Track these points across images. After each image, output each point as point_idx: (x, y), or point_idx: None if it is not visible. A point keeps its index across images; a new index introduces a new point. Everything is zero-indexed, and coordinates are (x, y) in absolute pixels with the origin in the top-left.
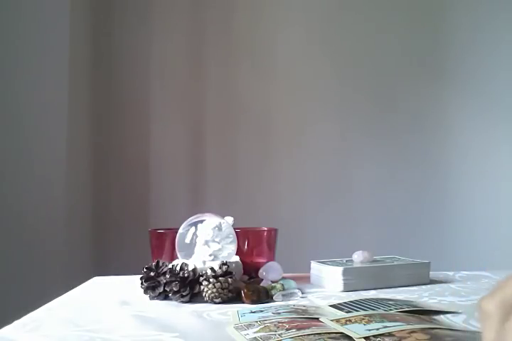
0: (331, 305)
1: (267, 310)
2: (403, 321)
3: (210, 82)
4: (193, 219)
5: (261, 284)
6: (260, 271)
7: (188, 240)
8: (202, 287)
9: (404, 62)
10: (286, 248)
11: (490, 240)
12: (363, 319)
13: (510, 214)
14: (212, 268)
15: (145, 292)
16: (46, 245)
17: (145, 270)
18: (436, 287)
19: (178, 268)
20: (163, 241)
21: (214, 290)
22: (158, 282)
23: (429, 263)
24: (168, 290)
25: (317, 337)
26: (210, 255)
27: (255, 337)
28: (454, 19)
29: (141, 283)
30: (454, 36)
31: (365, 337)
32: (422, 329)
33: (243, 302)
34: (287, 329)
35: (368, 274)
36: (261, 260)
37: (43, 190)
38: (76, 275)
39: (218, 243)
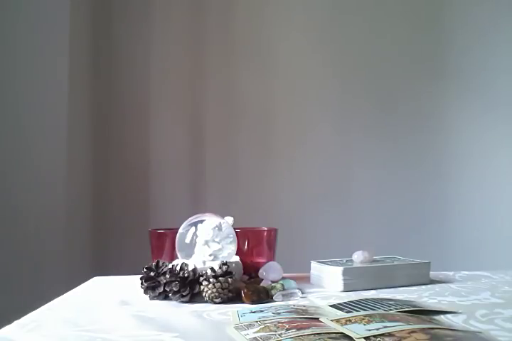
0: (331, 305)
1: (267, 310)
2: (403, 321)
3: (210, 82)
4: (193, 219)
5: (261, 284)
6: (260, 271)
7: (188, 240)
8: (202, 287)
9: (405, 63)
10: (286, 248)
11: (490, 240)
12: (363, 319)
13: (510, 214)
14: (212, 268)
15: (145, 292)
16: (46, 245)
17: (145, 270)
18: (436, 287)
19: (178, 268)
20: (163, 241)
21: (214, 290)
22: (158, 282)
23: (429, 263)
24: (168, 290)
25: (317, 337)
26: (210, 255)
27: (255, 337)
28: (454, 20)
29: (141, 283)
30: (454, 37)
31: (365, 337)
32: (422, 329)
33: (243, 302)
34: (287, 330)
35: (368, 274)
36: (261, 260)
37: (43, 190)
38: (76, 275)
39: (218, 243)
